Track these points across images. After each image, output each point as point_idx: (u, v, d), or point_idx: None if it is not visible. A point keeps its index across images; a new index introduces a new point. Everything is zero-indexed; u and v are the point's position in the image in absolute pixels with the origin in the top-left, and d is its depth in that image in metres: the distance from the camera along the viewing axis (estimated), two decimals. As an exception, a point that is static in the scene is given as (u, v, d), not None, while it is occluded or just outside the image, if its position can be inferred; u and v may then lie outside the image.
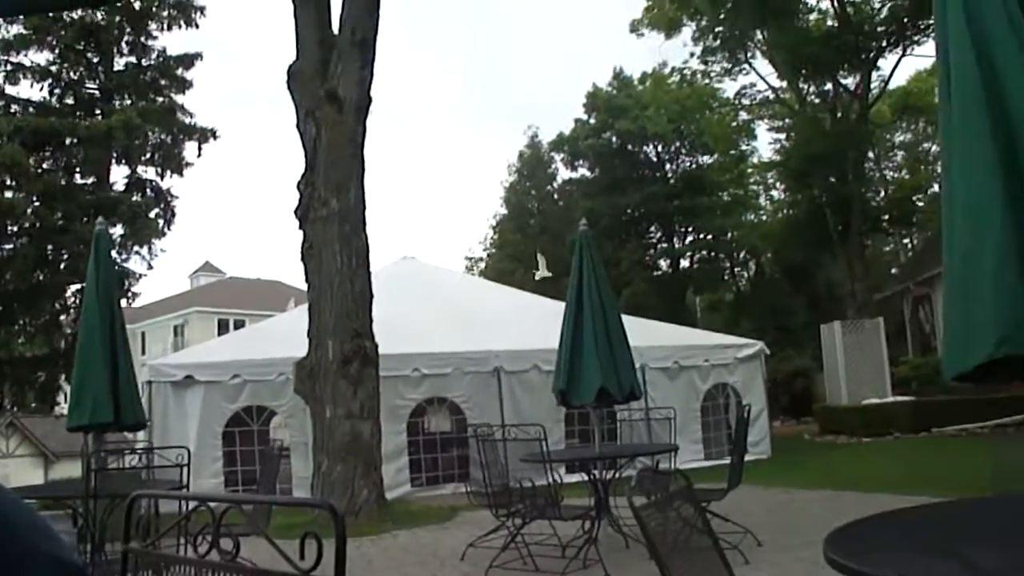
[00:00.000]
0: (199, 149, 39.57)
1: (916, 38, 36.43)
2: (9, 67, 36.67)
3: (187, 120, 39.46)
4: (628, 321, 12.40)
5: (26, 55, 36.81)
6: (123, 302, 32.28)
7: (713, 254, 55.06)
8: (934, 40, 4.05)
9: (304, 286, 15.76)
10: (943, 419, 21.75)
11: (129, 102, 38.03)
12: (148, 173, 39.17)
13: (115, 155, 37.34)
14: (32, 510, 1.31)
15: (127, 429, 10.78)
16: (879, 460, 18.90)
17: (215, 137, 39.55)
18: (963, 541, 3.55)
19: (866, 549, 3.43)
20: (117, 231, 35.85)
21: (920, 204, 47.26)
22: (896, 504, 4.70)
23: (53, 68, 37.29)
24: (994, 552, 3.40)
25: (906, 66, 47.74)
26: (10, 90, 37.06)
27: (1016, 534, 3.57)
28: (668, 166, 55.29)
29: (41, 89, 37.49)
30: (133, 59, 39.16)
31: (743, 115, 45.81)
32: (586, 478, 10.39)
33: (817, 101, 40.70)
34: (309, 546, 2.28)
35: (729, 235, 52.44)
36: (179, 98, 39.84)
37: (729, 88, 44.49)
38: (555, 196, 58.40)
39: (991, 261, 3.26)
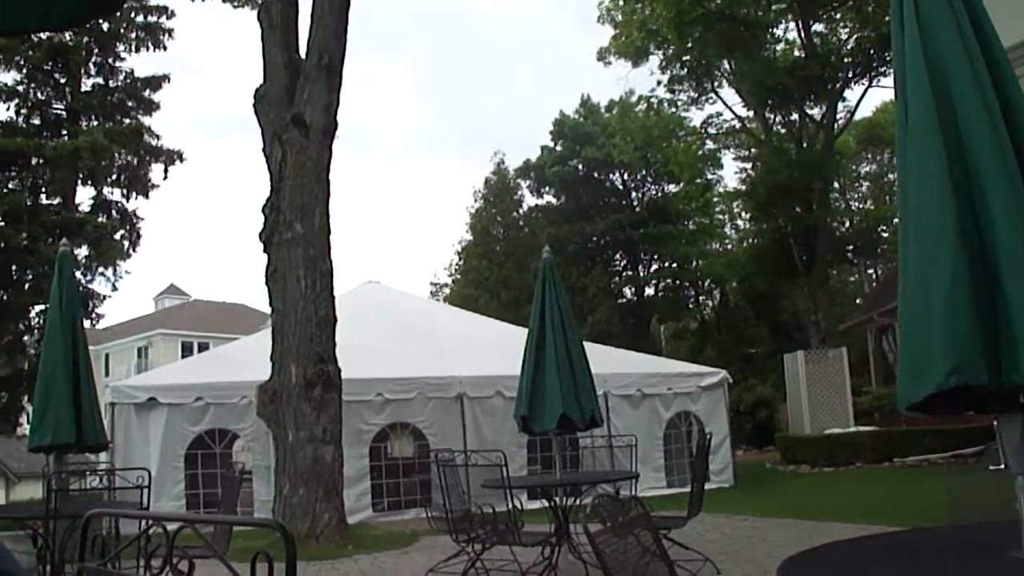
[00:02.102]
0: (165, 171, 39.35)
1: (882, 69, 36.64)
2: (-25, 87, 36.51)
3: (154, 142, 39.24)
4: (591, 348, 12.46)
5: (-7, 75, 36.66)
6: (87, 323, 32.04)
7: (678, 282, 55.16)
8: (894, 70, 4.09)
9: (268, 310, 15.75)
10: (905, 449, 21.85)
11: (96, 123, 37.81)
12: (114, 195, 38.93)
13: (81, 176, 37.10)
14: None
15: (89, 450, 10.73)
16: (840, 490, 18.95)
17: (181, 159, 39.39)
18: (915, 571, 3.58)
19: (819, 576, 3.46)
20: (82, 252, 35.61)
21: (885, 234, 47.53)
22: (853, 533, 4.74)
23: (20, 88, 37.07)
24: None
25: (872, 97, 48.20)
26: (-24, 110, 36.91)
27: (967, 564, 3.61)
28: (634, 194, 55.46)
29: (8, 109, 37.29)
30: (100, 80, 38.99)
31: (709, 144, 45.95)
32: (547, 504, 10.40)
33: (783, 131, 40.89)
34: (262, 568, 2.30)
35: (694, 264, 52.55)
36: (146, 120, 39.63)
37: (695, 117, 44.64)
38: (520, 223, 58.36)
39: (943, 290, 3.29)
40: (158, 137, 39.40)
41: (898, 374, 3.65)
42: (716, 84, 41.66)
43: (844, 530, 11.41)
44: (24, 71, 36.89)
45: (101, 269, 37.57)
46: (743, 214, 53.07)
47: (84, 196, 38.36)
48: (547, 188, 56.63)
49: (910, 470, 20.55)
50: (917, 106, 3.58)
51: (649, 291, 55.49)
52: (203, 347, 58.14)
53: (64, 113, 38.19)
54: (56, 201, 37.16)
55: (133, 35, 38.40)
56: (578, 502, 10.56)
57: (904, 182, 3.64)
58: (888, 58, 34.45)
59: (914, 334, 3.46)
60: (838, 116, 39.32)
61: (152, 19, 38.44)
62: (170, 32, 38.66)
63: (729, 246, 55.90)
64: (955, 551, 3.85)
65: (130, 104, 39.48)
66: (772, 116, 40.74)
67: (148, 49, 38.70)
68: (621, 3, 40.67)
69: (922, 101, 3.56)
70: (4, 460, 49.27)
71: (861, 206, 55.84)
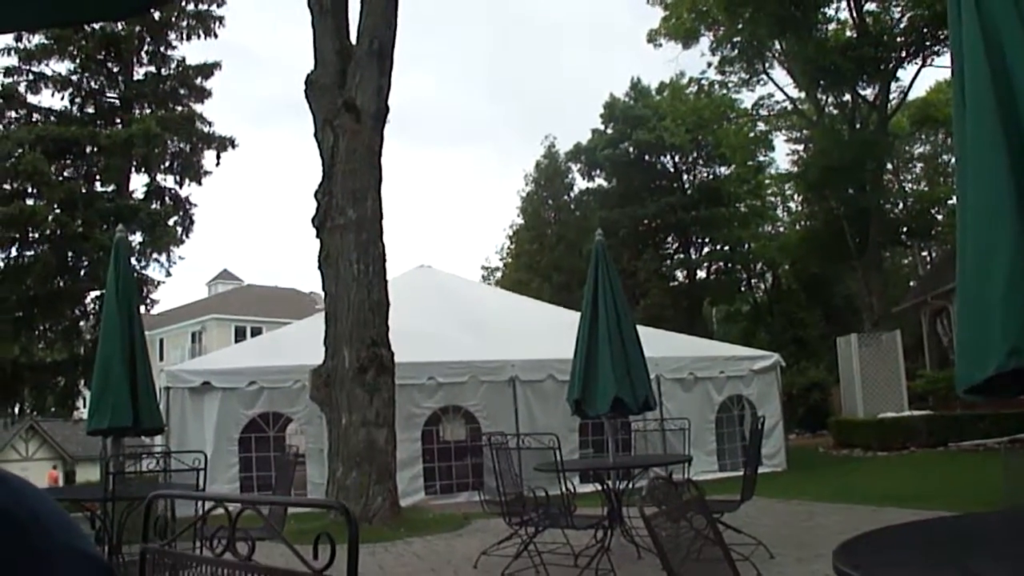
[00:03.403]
0: (217, 158, 39.65)
1: (935, 48, 36.25)
2: (31, 76, 36.88)
3: (206, 129, 39.55)
4: (644, 331, 12.43)
5: (47, 65, 37.03)
6: (142, 309, 32.34)
7: (730, 265, 54.96)
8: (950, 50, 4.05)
9: (321, 294, 15.83)
10: (960, 433, 21.64)
11: (149, 111, 38.14)
12: (167, 181, 39.30)
13: (135, 163, 37.42)
14: (61, 508, 1.36)
15: (145, 433, 10.87)
16: (894, 474, 18.83)
17: (233, 146, 39.67)
18: (972, 555, 3.56)
19: (875, 562, 3.45)
20: (136, 238, 35.95)
21: (939, 216, 47.13)
22: (909, 518, 4.71)
23: (74, 78, 37.47)
24: (1003, 566, 3.42)
25: (925, 77, 47.70)
26: (32, 99, 37.31)
27: (1025, 547, 3.58)
28: (685, 177, 55.29)
29: (62, 98, 37.71)
30: (153, 69, 39.32)
31: (761, 126, 45.74)
32: (600, 488, 10.42)
33: (835, 112, 40.58)
34: (323, 548, 2.32)
35: (746, 246, 52.41)
36: (198, 107, 39.97)
37: (747, 98, 44.33)
38: (572, 206, 58.28)
39: (1003, 271, 3.25)
40: (210, 124, 39.75)
41: (956, 357, 3.62)
42: (767, 65, 41.43)
43: (900, 515, 11.34)
44: (77, 61, 37.32)
45: (155, 255, 37.95)
46: (795, 196, 52.84)
47: (138, 183, 38.81)
48: (598, 171, 56.53)
49: (966, 455, 20.36)
50: (975, 85, 3.55)
51: (701, 274, 55.32)
52: (256, 332, 58.60)
53: (117, 101, 38.59)
54: (110, 188, 37.58)
55: (184, 23, 38.69)
56: (631, 486, 10.57)
57: (962, 164, 3.61)
58: (942, 37, 34.14)
59: (973, 316, 3.43)
60: (891, 96, 38.96)
61: (203, 7, 38.68)
62: (221, 20, 38.92)
63: (781, 228, 55.63)
64: (1018, 536, 3.82)
65: (182, 92, 39.84)
66: (824, 97, 40.43)
67: (199, 37, 38.99)
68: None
69: (980, 80, 3.52)
70: (61, 443, 49.91)
71: (915, 187, 55.27)
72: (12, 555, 1.22)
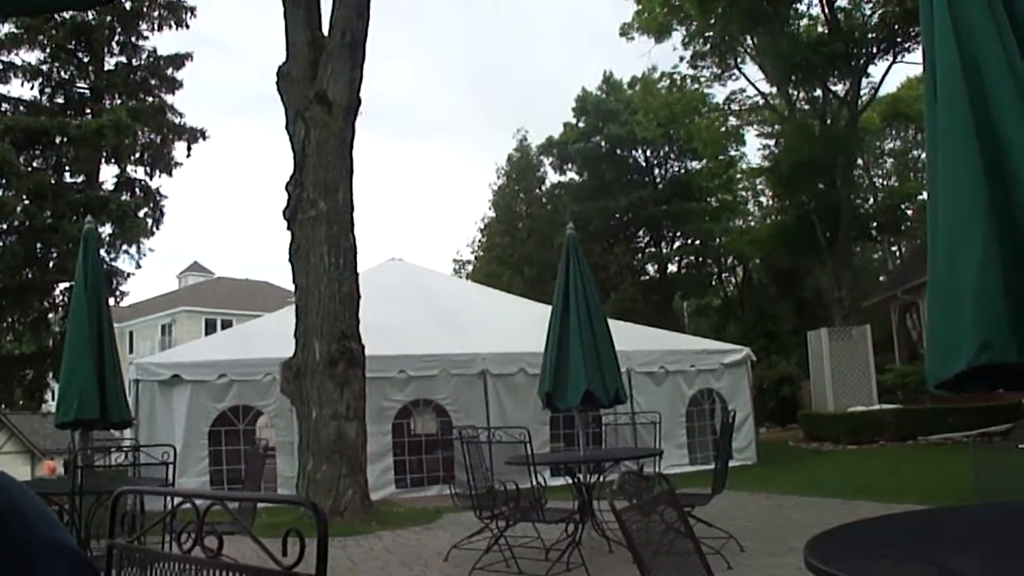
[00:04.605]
0: (188, 149, 39.61)
1: (907, 45, 36.34)
2: (0, 66, 36.65)
3: (177, 120, 39.48)
4: (615, 325, 12.45)
5: (17, 54, 36.84)
6: (111, 301, 32.16)
7: (701, 259, 55.15)
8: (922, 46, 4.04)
9: (292, 287, 15.78)
10: (928, 427, 21.77)
11: (119, 102, 38.00)
12: (137, 172, 39.19)
13: (105, 154, 37.28)
14: (42, 502, 1.35)
15: (113, 426, 10.78)
16: (864, 467, 18.90)
17: (204, 137, 39.59)
18: (942, 549, 3.57)
19: (845, 555, 3.45)
20: (106, 230, 35.80)
21: (909, 212, 47.33)
22: (879, 511, 4.72)
23: (44, 67, 37.28)
24: (972, 560, 3.43)
25: (896, 73, 47.82)
26: (1, 89, 37.10)
27: (994, 543, 3.60)
28: (657, 171, 55.42)
29: (32, 88, 37.55)
30: (123, 59, 39.18)
31: (732, 120, 45.73)
32: (571, 481, 10.42)
33: (807, 107, 40.67)
34: (292, 544, 2.30)
35: (717, 241, 52.53)
36: (169, 98, 39.92)
37: (719, 93, 44.45)
38: (544, 200, 58.32)
39: (973, 267, 3.25)
40: (181, 115, 39.70)
41: (927, 352, 3.62)
42: (739, 60, 41.44)
43: (869, 508, 11.40)
44: (47, 50, 37.13)
45: (125, 247, 37.87)
46: (766, 191, 52.98)
47: (108, 174, 38.69)
48: (570, 165, 56.68)
49: (934, 448, 20.48)
50: (946, 78, 3.55)
51: (672, 268, 55.53)
52: (227, 324, 58.21)
53: (87, 92, 38.44)
54: (80, 179, 37.45)
55: (156, 14, 38.54)
56: (601, 479, 10.57)
57: (933, 157, 3.61)
58: (913, 33, 34.28)
59: (943, 311, 3.43)
60: (862, 92, 39.08)
61: (174, -2, 38.55)
62: (192, 11, 38.83)
63: (752, 223, 55.76)
64: (987, 529, 3.83)
65: (153, 82, 39.75)
66: (795, 92, 40.54)
67: (171, 28, 38.87)
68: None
69: (951, 75, 3.52)
70: (29, 437, 49.60)
71: (885, 183, 55.53)
72: None
